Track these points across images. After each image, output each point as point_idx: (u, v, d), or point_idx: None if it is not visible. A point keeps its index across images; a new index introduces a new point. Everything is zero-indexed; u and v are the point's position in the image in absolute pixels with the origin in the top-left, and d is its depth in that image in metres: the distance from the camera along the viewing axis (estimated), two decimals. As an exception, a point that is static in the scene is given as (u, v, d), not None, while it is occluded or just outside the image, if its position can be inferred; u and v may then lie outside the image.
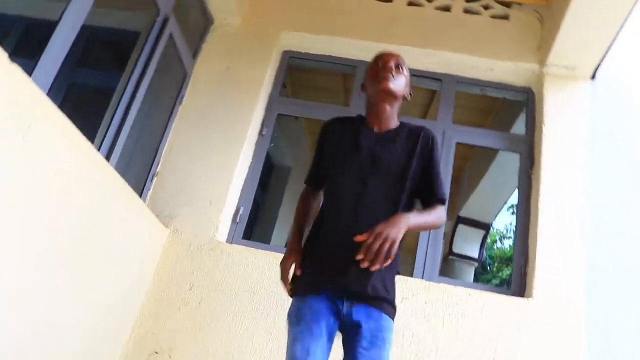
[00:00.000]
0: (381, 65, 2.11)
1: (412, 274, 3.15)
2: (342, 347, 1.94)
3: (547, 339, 2.84)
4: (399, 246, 1.85)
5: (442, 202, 2.10)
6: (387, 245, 1.77)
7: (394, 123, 2.15)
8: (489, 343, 2.85)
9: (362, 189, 2.00)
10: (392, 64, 2.10)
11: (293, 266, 2.06)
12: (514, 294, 3.05)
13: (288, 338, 1.94)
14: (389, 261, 1.81)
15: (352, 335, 1.90)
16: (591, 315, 2.90)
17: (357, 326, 1.89)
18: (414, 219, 1.90)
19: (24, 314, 2.07)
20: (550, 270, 2.99)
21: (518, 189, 3.47)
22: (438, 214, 2.05)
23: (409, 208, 2.04)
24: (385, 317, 1.92)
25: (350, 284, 1.89)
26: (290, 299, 2.02)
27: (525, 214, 3.29)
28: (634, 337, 2.90)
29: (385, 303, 1.92)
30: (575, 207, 3.14)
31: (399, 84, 2.10)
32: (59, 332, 2.32)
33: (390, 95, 2.09)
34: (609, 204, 3.20)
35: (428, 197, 2.09)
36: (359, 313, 1.90)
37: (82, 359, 2.56)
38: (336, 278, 1.91)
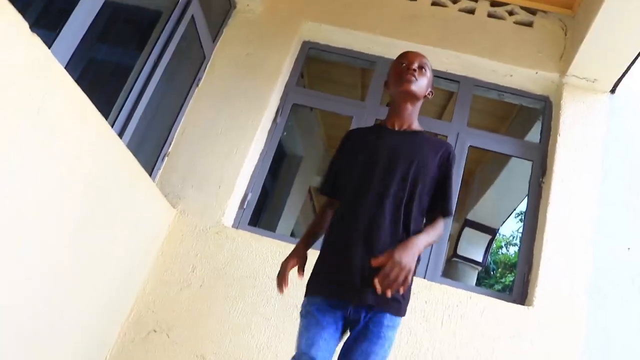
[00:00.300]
0: (405, 66, 2.15)
1: (415, 272, 3.14)
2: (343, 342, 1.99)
3: (544, 349, 2.84)
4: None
5: (448, 217, 2.19)
6: (403, 275, 1.82)
7: (415, 123, 2.19)
8: (486, 346, 2.85)
9: (376, 188, 2.02)
10: (416, 65, 2.14)
11: (295, 269, 2.13)
12: (514, 301, 3.04)
13: (297, 330, 2.01)
14: (404, 288, 1.86)
15: (354, 332, 1.95)
16: (591, 329, 2.89)
17: (357, 321, 1.93)
18: (423, 241, 1.97)
19: (24, 287, 2.09)
20: (553, 280, 2.98)
21: (528, 196, 3.45)
22: (440, 231, 2.11)
23: (418, 206, 2.06)
24: (388, 315, 1.94)
25: (358, 295, 1.92)
26: (280, 294, 2.13)
27: (532, 222, 3.28)
28: (635, 356, 2.89)
29: (392, 301, 1.92)
30: (584, 220, 3.12)
31: (421, 85, 2.14)
32: (60, 306, 2.35)
33: (412, 96, 2.14)
34: (619, 219, 3.18)
35: (436, 209, 2.12)
36: (363, 311, 1.93)
37: (82, 333, 2.60)
38: (345, 290, 1.94)
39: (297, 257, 2.15)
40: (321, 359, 1.86)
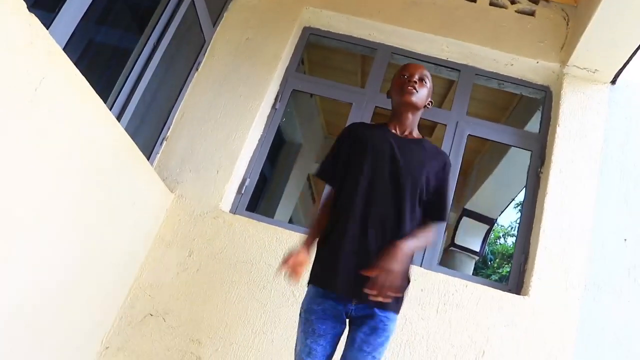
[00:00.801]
0: (407, 78, 2.29)
1: (412, 260, 3.15)
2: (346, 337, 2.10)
3: (539, 338, 2.85)
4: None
5: (441, 224, 2.36)
6: (393, 281, 1.90)
7: (415, 132, 2.34)
8: (480, 335, 2.86)
9: (377, 188, 2.14)
10: (416, 77, 2.28)
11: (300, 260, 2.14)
12: (510, 291, 3.05)
13: (297, 329, 2.15)
14: (397, 293, 1.94)
15: (355, 325, 2.07)
16: (585, 320, 2.90)
17: (362, 318, 2.05)
18: (412, 246, 2.08)
19: (20, 271, 2.08)
20: (549, 270, 2.98)
21: (526, 186, 3.45)
22: (432, 236, 2.24)
23: (415, 210, 2.17)
24: (390, 312, 2.07)
25: (358, 292, 1.97)
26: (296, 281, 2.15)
27: (530, 211, 3.28)
28: (627, 349, 2.90)
29: (394, 301, 2.01)
30: (581, 210, 3.12)
31: (421, 96, 2.28)
32: (55, 291, 2.34)
33: (413, 107, 2.28)
34: (616, 210, 3.18)
35: (431, 214, 2.24)
36: (365, 310, 2.05)
37: (80, 317, 2.60)
38: (346, 285, 2.05)
39: (305, 254, 2.18)
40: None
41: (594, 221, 3.11)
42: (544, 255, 3.02)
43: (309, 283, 2.18)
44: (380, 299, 1.88)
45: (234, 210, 3.32)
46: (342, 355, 2.06)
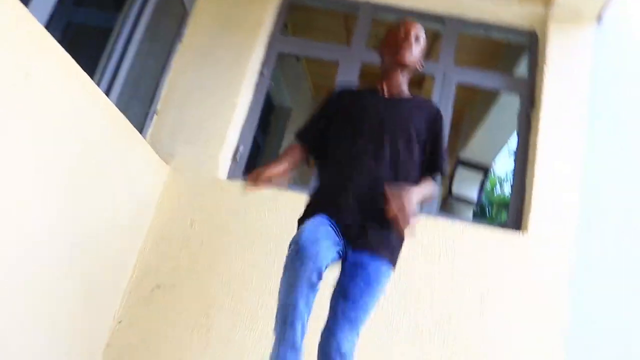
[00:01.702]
0: (403, 34, 2.22)
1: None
2: (337, 283, 2.04)
3: (538, 274, 2.92)
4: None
5: (442, 175, 2.31)
6: (411, 208, 1.89)
7: (405, 91, 2.29)
8: (483, 277, 2.92)
9: (370, 148, 2.11)
10: (413, 35, 2.22)
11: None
12: (509, 228, 3.12)
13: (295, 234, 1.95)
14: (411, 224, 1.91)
15: (349, 272, 2.00)
16: (581, 254, 2.96)
17: (357, 265, 1.99)
18: (421, 192, 2.05)
19: (20, 255, 2.10)
20: (545, 207, 3.04)
21: (517, 129, 3.46)
22: (432, 189, 2.22)
23: (413, 169, 2.16)
24: (385, 263, 2.03)
25: (360, 239, 2.00)
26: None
27: (523, 154, 3.31)
28: (621, 276, 2.97)
29: (387, 252, 2.03)
30: (573, 148, 3.17)
31: (415, 55, 2.24)
32: (62, 269, 2.37)
33: (406, 66, 2.23)
34: (607, 146, 3.22)
35: (430, 168, 2.23)
36: (361, 256, 2.00)
37: (86, 296, 2.63)
38: (350, 222, 2.02)
39: (279, 167, 2.16)
40: (320, 263, 1.84)
41: (586, 158, 3.15)
42: (540, 193, 3.07)
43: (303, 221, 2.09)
44: (399, 220, 1.87)
45: (231, 177, 3.34)
46: (330, 305, 1.98)
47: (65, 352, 2.52)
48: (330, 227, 1.98)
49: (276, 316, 1.88)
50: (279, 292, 1.89)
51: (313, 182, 2.93)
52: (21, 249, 2.07)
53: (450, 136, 3.43)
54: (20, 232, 2.04)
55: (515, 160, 3.37)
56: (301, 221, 2.13)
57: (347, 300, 1.94)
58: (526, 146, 3.31)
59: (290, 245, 1.90)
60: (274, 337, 1.87)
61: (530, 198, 3.09)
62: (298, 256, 1.83)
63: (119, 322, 2.95)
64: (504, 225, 3.18)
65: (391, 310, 2.84)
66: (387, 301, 2.74)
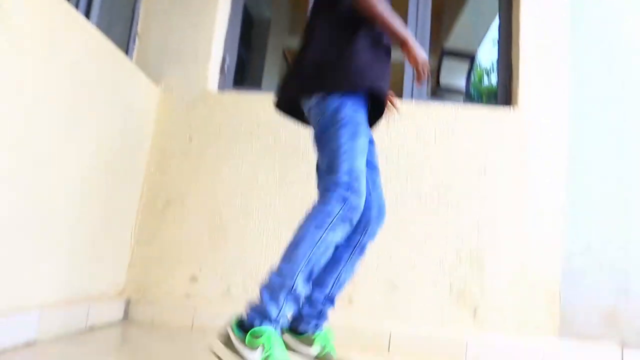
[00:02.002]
0: None
1: (402, 95, 3.26)
2: None
3: (532, 148, 3.01)
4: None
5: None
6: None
7: None
8: (478, 156, 3.02)
9: None
10: None
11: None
12: (499, 104, 3.19)
13: (346, 139, 1.83)
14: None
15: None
16: (575, 126, 3.04)
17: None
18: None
19: (17, 188, 2.15)
20: (534, 82, 3.09)
21: (499, 8, 3.44)
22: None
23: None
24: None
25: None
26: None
27: (506, 30, 3.32)
28: (614, 146, 3.05)
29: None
30: (558, 20, 3.17)
31: None
32: (69, 199, 2.43)
33: None
34: (592, 18, 3.22)
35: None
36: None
37: (103, 221, 2.72)
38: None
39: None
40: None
41: (571, 31, 3.16)
42: (527, 67, 3.11)
43: (352, 89, 1.89)
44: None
45: (221, 89, 3.37)
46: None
47: (89, 275, 2.64)
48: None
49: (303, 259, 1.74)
50: (315, 240, 1.74)
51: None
52: (11, 184, 2.13)
53: (432, 26, 3.42)
54: (7, 167, 2.09)
55: (499, 36, 3.37)
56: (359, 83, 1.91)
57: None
58: (509, 23, 3.32)
59: (345, 199, 1.77)
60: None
61: (517, 72, 3.13)
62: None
63: (137, 240, 3.07)
64: (494, 102, 3.23)
65: (398, 189, 2.97)
66: (391, 182, 2.84)
